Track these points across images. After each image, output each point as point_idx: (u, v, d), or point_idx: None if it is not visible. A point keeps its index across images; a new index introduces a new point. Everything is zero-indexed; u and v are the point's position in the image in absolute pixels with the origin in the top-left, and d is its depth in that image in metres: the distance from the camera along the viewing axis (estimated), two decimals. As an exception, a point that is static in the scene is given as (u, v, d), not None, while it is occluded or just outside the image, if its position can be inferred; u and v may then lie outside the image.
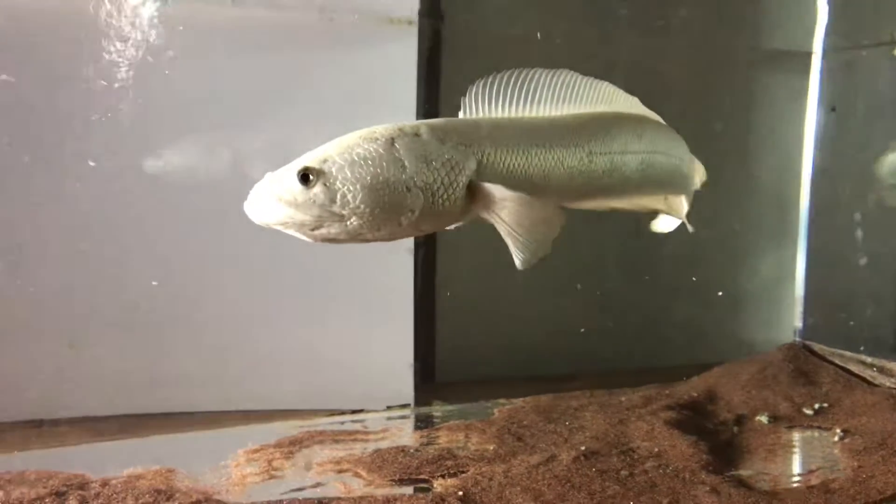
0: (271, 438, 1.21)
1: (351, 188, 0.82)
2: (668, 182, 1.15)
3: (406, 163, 0.85)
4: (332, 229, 0.83)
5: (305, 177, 0.82)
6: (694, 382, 1.37)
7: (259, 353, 1.36)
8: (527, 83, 0.98)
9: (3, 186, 1.24)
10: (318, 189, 0.82)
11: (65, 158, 1.24)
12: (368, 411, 1.34)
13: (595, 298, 1.62)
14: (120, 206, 1.29)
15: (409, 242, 1.37)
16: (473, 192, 0.89)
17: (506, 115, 0.98)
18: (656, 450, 1.11)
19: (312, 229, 0.84)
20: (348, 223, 0.83)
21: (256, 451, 1.17)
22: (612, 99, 1.08)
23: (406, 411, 1.37)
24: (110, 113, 1.26)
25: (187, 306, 1.35)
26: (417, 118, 1.27)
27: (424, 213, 0.85)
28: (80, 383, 1.29)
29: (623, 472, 1.06)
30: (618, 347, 1.59)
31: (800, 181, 1.61)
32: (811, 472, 1.07)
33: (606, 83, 1.07)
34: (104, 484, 1.05)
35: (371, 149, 0.84)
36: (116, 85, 1.24)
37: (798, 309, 1.57)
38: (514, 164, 0.93)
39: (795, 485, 1.03)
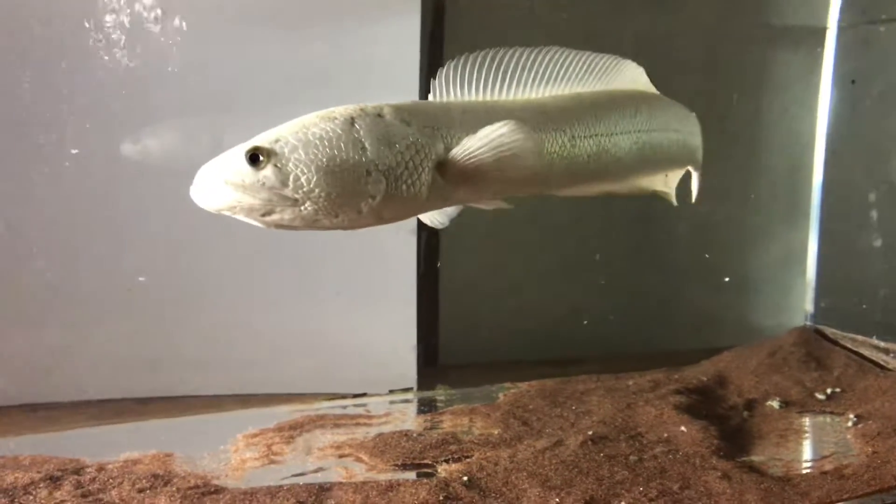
0: (271, 423, 1.19)
1: (305, 170, 0.77)
2: (670, 159, 1.11)
3: (367, 145, 0.79)
4: (285, 215, 0.78)
5: (254, 157, 0.77)
6: (703, 367, 1.34)
7: (259, 337, 1.33)
8: (503, 64, 0.93)
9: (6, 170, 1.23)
10: (268, 171, 0.76)
11: (73, 140, 1.21)
12: (371, 395, 1.31)
13: (601, 281, 1.59)
14: (120, 189, 1.26)
15: (412, 223, 1.34)
16: (445, 173, 0.84)
17: (479, 98, 0.92)
18: (665, 435, 1.08)
19: (263, 214, 0.78)
20: (302, 208, 0.77)
21: (256, 435, 1.14)
22: (607, 74, 1.03)
23: (409, 395, 1.34)
24: (118, 93, 1.23)
25: (187, 288, 1.32)
26: (420, 93, 1.24)
27: (387, 200, 0.80)
28: (77, 366, 1.27)
29: (632, 458, 1.03)
30: (625, 331, 1.56)
31: (812, 161, 1.57)
32: (824, 457, 1.04)
33: (603, 56, 1.02)
34: (100, 469, 1.03)
35: (328, 129, 0.79)
36: (122, 62, 1.22)
37: (810, 293, 1.53)
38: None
39: (808, 470, 1.00)
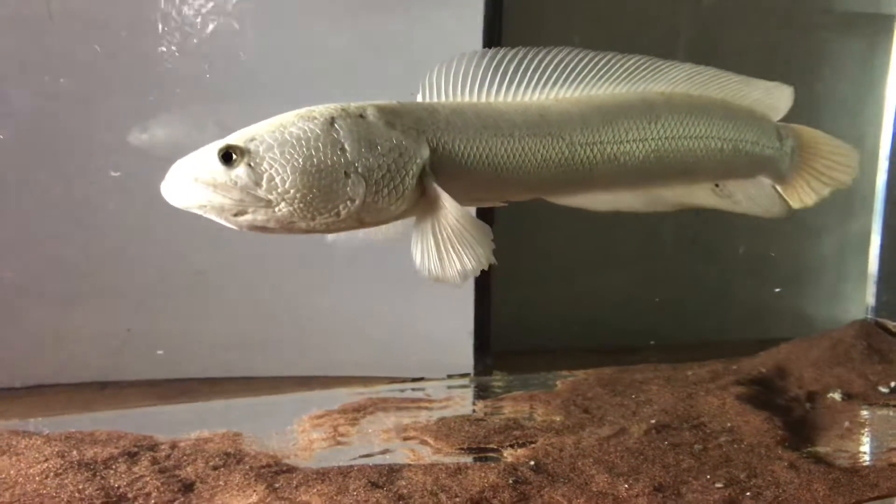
0: (334, 404, 1.21)
1: (280, 170, 0.75)
2: (711, 169, 1.02)
3: (346, 146, 0.77)
4: (258, 216, 0.76)
5: (227, 156, 0.75)
6: (761, 358, 1.34)
7: (320, 321, 1.36)
8: (503, 65, 0.89)
9: (71, 162, 1.26)
10: (241, 170, 0.75)
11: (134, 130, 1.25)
12: (429, 380, 1.33)
13: (655, 271, 1.58)
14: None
15: (472, 210, 1.35)
16: (424, 188, 0.81)
17: (472, 100, 0.88)
18: (728, 424, 1.09)
19: (235, 215, 0.76)
20: (276, 209, 0.75)
21: (321, 416, 1.17)
22: (628, 76, 0.96)
23: (465, 381, 1.36)
24: (178, 88, 1.26)
25: (250, 272, 1.34)
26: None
27: (367, 204, 0.77)
28: (144, 347, 1.30)
29: (696, 447, 1.04)
30: (679, 321, 1.56)
31: (877, 153, 1.55)
32: (891, 450, 1.04)
33: (626, 57, 0.95)
34: (173, 446, 1.06)
35: (307, 128, 0.77)
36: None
37: (871, 286, 1.52)
38: (474, 154, 0.85)
39: (875, 462, 1.00)
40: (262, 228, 0.77)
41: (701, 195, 1.06)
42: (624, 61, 0.95)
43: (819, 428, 1.10)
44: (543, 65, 0.90)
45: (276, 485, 0.95)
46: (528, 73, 0.90)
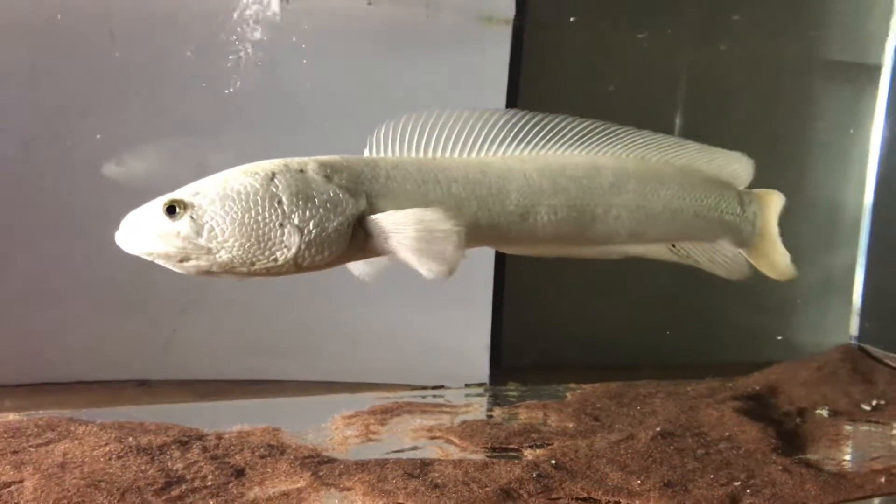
0: (363, 406, 1.30)
1: (220, 222, 0.83)
2: (661, 232, 1.06)
3: (283, 199, 0.84)
4: (202, 262, 0.84)
5: (171, 209, 0.83)
6: (754, 377, 1.45)
7: (347, 330, 1.45)
8: (448, 124, 0.95)
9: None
10: (183, 221, 0.83)
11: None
12: (448, 388, 1.43)
13: (652, 295, 1.69)
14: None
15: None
16: (368, 230, 0.88)
17: (418, 156, 0.94)
18: (727, 433, 1.19)
19: (180, 261, 0.84)
20: (217, 256, 0.83)
21: (352, 416, 1.26)
22: (580, 139, 1.01)
23: (482, 389, 1.45)
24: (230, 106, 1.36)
25: (283, 284, 1.43)
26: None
27: (302, 252, 0.85)
28: (185, 349, 1.39)
29: (699, 451, 1.14)
30: (674, 343, 1.67)
31: (863, 193, 1.68)
32: (874, 458, 1.15)
33: (579, 121, 1.00)
34: (219, 437, 1.15)
35: (247, 183, 0.84)
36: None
37: (855, 314, 1.63)
38: (410, 207, 0.89)
39: (860, 469, 1.11)
40: (207, 273, 0.85)
41: (655, 251, 1.10)
42: (576, 124, 1.01)
43: (808, 439, 1.21)
44: (490, 125, 0.97)
45: (321, 473, 1.04)
46: (475, 132, 0.96)
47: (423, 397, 1.39)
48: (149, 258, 0.86)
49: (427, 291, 1.51)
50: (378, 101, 1.39)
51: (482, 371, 1.47)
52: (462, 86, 1.42)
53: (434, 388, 1.42)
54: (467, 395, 1.41)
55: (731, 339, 1.71)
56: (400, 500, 0.97)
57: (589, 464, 1.09)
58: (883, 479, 1.07)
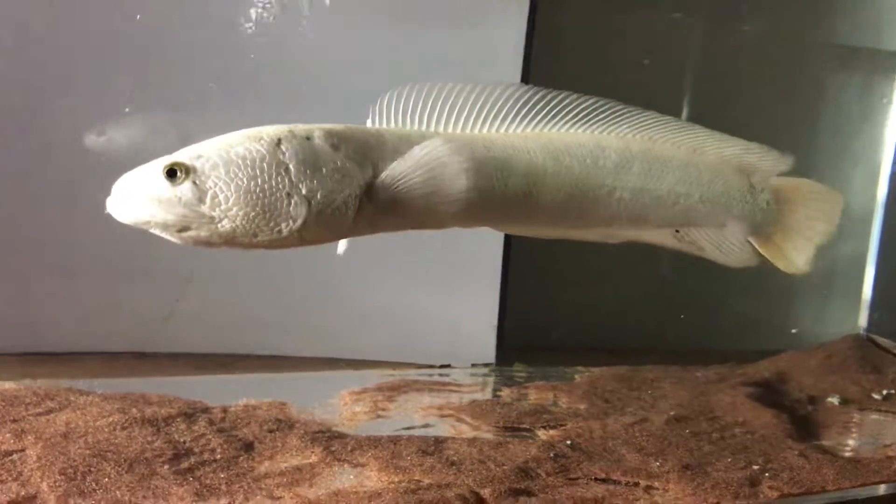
0: (369, 383, 1.27)
1: (224, 188, 0.77)
2: (665, 217, 1.02)
3: (291, 167, 0.79)
4: (202, 232, 0.78)
5: (172, 172, 0.77)
6: (762, 365, 1.44)
7: (351, 306, 1.42)
8: (452, 97, 0.91)
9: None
10: (185, 187, 0.77)
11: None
12: (455, 367, 1.40)
13: (658, 281, 1.68)
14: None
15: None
16: (373, 200, 0.83)
17: (421, 129, 0.90)
18: (741, 418, 1.18)
19: (179, 230, 0.78)
20: (219, 226, 0.77)
21: (359, 392, 1.23)
22: (585, 117, 0.97)
23: (488, 370, 1.43)
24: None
25: (287, 257, 1.40)
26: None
27: (308, 224, 0.79)
28: (184, 321, 1.35)
29: (714, 435, 1.13)
30: (678, 328, 1.66)
31: (876, 184, 1.68)
32: (887, 445, 1.15)
33: (584, 98, 0.97)
34: (225, 410, 1.11)
35: (253, 149, 0.79)
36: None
37: (865, 304, 1.63)
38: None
39: (874, 455, 1.10)
40: (206, 243, 0.80)
41: (658, 237, 1.07)
42: (583, 102, 0.98)
43: (821, 426, 1.21)
44: (494, 99, 0.93)
45: (332, 448, 1.01)
46: (478, 106, 0.92)
47: (430, 376, 1.36)
48: (143, 227, 0.79)
49: (435, 269, 1.50)
50: (390, 74, 1.35)
51: (488, 351, 1.44)
52: (477, 62, 1.38)
53: (440, 367, 1.40)
54: (473, 375, 1.39)
55: (734, 326, 1.70)
56: (416, 477, 0.95)
57: (604, 445, 1.08)
58: (898, 466, 1.07)
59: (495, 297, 1.44)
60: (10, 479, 0.84)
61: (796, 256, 1.10)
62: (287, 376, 1.33)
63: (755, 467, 1.03)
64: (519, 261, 1.58)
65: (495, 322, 1.44)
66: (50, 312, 1.32)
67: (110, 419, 1.01)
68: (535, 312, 1.59)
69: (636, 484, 0.98)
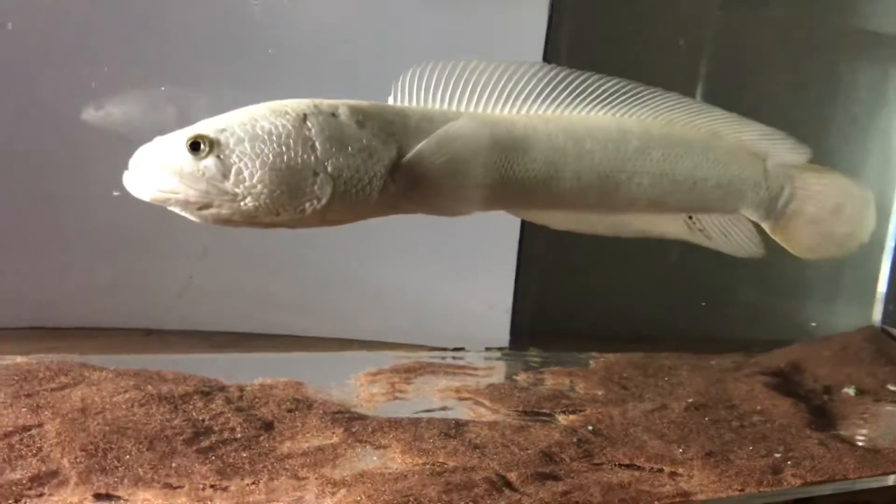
0: (384, 365, 1.26)
1: (249, 164, 0.74)
2: (682, 201, 1.00)
3: (317, 144, 0.76)
4: (223, 210, 0.74)
5: (196, 145, 0.73)
6: (776, 355, 1.44)
7: (366, 287, 1.41)
8: (474, 75, 0.88)
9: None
10: (209, 161, 0.73)
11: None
12: (469, 350, 1.39)
13: (669, 270, 1.67)
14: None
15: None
16: (397, 180, 0.80)
17: (443, 108, 0.87)
18: (759, 407, 1.18)
19: (199, 208, 0.75)
20: (242, 204, 0.74)
21: (375, 374, 1.22)
22: (607, 99, 0.95)
23: (502, 354, 1.42)
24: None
25: (303, 237, 1.38)
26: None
27: (332, 203, 0.77)
28: (199, 298, 1.33)
29: (734, 423, 1.12)
30: (689, 317, 1.65)
31: (893, 174, 1.67)
32: (904, 437, 1.15)
33: (606, 80, 0.95)
34: (241, 389, 1.10)
35: (279, 124, 0.76)
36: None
37: (880, 297, 1.63)
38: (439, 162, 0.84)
39: (893, 445, 1.10)
40: (226, 222, 0.76)
41: (671, 226, 1.05)
42: (605, 84, 0.95)
43: (838, 416, 1.21)
44: (515, 79, 0.91)
45: (353, 429, 1.00)
46: (500, 86, 0.90)
47: (443, 358, 1.35)
48: (162, 204, 0.75)
49: (450, 252, 1.48)
50: (411, 50, 1.33)
51: (502, 335, 1.43)
52: (499, 40, 1.36)
53: (454, 349, 1.39)
54: (488, 359, 1.38)
55: (744, 316, 1.70)
56: (440, 460, 0.94)
57: (626, 431, 1.07)
58: (917, 458, 1.07)
59: (510, 280, 1.43)
60: (29, 454, 0.83)
61: (811, 245, 1.09)
62: (300, 356, 1.31)
63: (777, 455, 1.02)
64: (533, 245, 1.56)
65: (509, 306, 1.43)
66: (59, 287, 1.30)
67: (127, 396, 0.99)
68: (547, 297, 1.58)
69: (660, 470, 0.97)
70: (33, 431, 0.87)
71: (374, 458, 0.93)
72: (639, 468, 0.97)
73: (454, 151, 0.82)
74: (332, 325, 1.40)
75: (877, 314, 1.63)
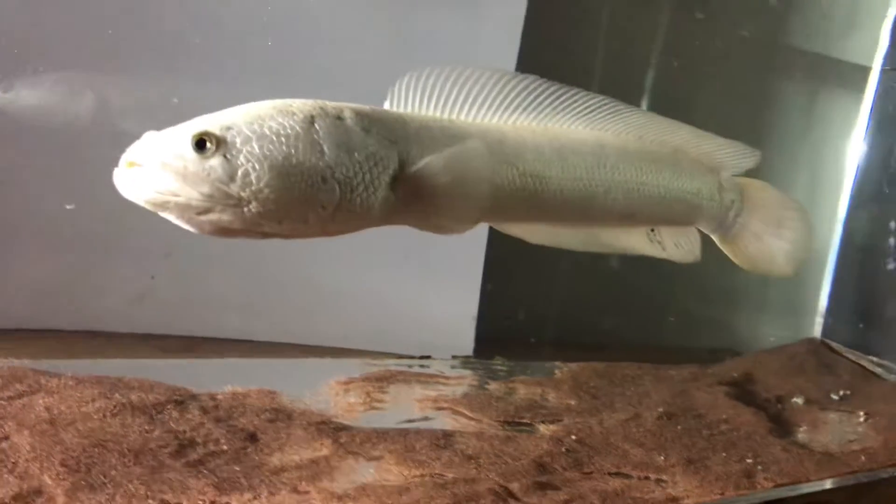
0: (353, 373, 1.22)
1: (256, 167, 0.68)
2: (651, 214, 1.03)
3: (325, 148, 0.71)
4: (224, 216, 0.68)
5: (202, 143, 0.67)
6: (728, 366, 1.49)
7: (329, 292, 1.36)
8: (468, 83, 0.87)
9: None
10: (216, 161, 0.67)
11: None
12: (435, 358, 1.37)
13: (618, 282, 1.71)
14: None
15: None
16: (397, 189, 0.77)
17: (437, 114, 0.86)
18: (724, 416, 1.22)
19: (199, 213, 0.68)
20: (245, 209, 0.68)
21: (347, 383, 1.18)
22: (587, 114, 0.97)
23: (468, 362, 1.41)
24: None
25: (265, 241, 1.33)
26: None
27: (336, 211, 0.72)
28: (158, 300, 1.25)
29: (704, 432, 1.16)
30: (637, 326, 1.70)
31: (840, 190, 1.75)
32: (850, 441, 1.22)
33: (588, 95, 0.96)
34: (213, 398, 1.04)
35: (287, 125, 0.71)
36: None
37: (819, 319, 1.73)
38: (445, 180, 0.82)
39: (843, 450, 1.17)
40: (224, 230, 0.70)
41: (634, 239, 1.08)
42: (586, 98, 0.96)
43: (792, 424, 1.27)
44: (506, 90, 0.90)
45: (341, 440, 0.96)
46: (491, 96, 0.89)
47: (410, 366, 1.32)
48: (158, 208, 0.67)
49: (416, 258, 1.46)
50: (386, 52, 1.30)
51: (466, 343, 1.42)
52: (474, 41, 1.36)
53: (421, 357, 1.36)
54: (453, 367, 1.36)
55: (689, 325, 1.76)
56: (437, 471, 0.92)
57: (607, 440, 1.08)
58: (863, 458, 1.14)
59: (476, 286, 1.42)
60: (4, 470, 0.75)
61: (753, 256, 1.13)
62: (264, 362, 1.25)
63: (748, 461, 1.07)
64: (500, 252, 1.56)
65: (475, 313, 1.42)
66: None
67: (96, 405, 0.92)
68: (507, 305, 1.58)
69: (647, 478, 0.99)
70: (3, 445, 0.79)
71: (370, 470, 0.90)
72: (627, 476, 0.99)
73: (464, 172, 0.80)
74: (295, 330, 1.35)
75: (818, 326, 1.73)
